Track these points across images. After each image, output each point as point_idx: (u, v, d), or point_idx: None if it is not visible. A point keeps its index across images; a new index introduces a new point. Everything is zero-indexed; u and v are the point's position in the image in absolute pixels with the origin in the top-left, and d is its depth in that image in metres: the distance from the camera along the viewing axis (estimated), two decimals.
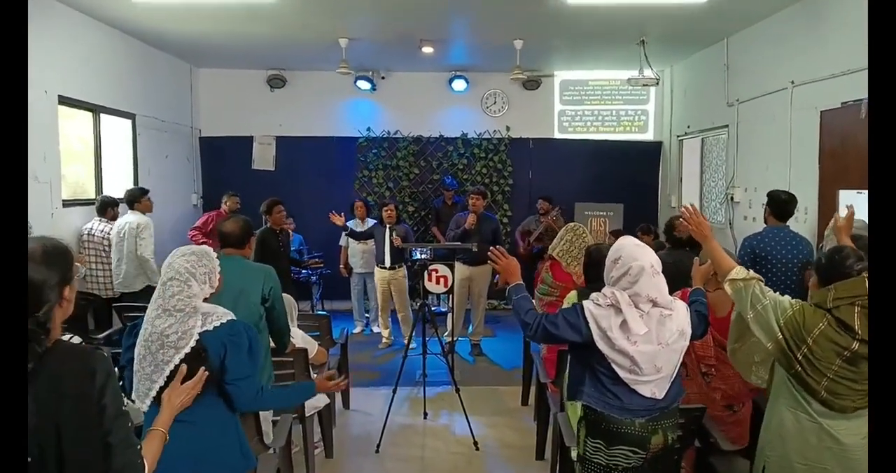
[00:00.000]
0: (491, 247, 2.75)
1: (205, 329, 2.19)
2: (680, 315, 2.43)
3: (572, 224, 4.49)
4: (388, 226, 6.61)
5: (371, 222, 7.21)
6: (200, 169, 8.60)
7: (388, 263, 6.63)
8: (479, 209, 6.36)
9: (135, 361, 2.15)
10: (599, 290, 2.80)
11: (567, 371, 2.88)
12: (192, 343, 2.14)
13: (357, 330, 7.49)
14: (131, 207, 5.81)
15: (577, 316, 2.42)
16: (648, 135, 8.81)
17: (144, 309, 2.29)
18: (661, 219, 8.43)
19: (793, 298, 2.46)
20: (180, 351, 2.12)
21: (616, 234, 7.04)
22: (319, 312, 7.91)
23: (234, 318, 2.30)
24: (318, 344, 4.09)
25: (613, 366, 2.36)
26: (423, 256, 4.87)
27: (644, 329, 2.33)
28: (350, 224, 7.09)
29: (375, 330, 7.44)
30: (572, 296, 3.39)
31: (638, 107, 8.79)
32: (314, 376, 3.86)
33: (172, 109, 7.87)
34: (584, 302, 2.44)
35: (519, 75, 6.82)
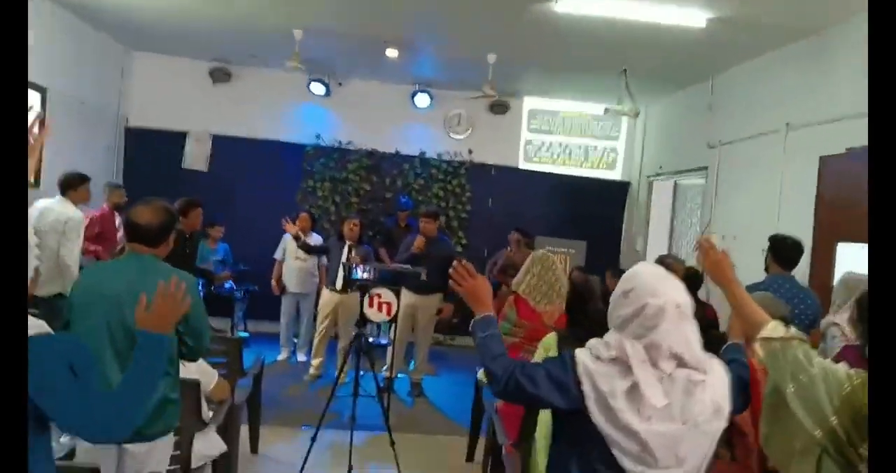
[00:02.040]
0: (455, 262, 2.00)
1: None
2: (717, 381, 1.70)
3: (539, 253, 3.77)
4: (348, 243, 5.82)
5: (315, 236, 6.40)
6: (122, 161, 7.64)
7: (339, 286, 5.80)
8: (431, 232, 5.66)
9: None
10: (584, 333, 2.10)
11: (549, 448, 2.11)
12: None
13: (281, 356, 6.59)
14: (63, 193, 4.82)
15: (566, 371, 1.68)
16: (616, 174, 8.36)
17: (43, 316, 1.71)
18: (624, 261, 7.94)
19: None
20: None
21: (579, 274, 6.45)
22: (241, 333, 6.98)
23: (50, 332, 1.58)
24: (220, 375, 3.25)
25: (615, 452, 1.61)
26: (365, 276, 4.10)
27: (664, 400, 1.60)
28: (288, 236, 6.26)
29: (301, 358, 6.55)
30: (550, 341, 2.68)
31: (608, 143, 8.34)
32: (209, 414, 3.01)
33: (97, 92, 6.94)
34: (578, 352, 1.71)
35: (490, 92, 6.21)
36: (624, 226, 8.34)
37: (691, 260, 6.43)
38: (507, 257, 6.98)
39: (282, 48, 6.27)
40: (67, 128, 6.31)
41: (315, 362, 5.98)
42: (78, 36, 6.40)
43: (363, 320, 4.54)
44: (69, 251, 4.66)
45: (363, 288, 4.10)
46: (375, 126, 7.95)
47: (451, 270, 1.95)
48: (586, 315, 2.51)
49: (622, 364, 1.63)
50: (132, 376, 1.73)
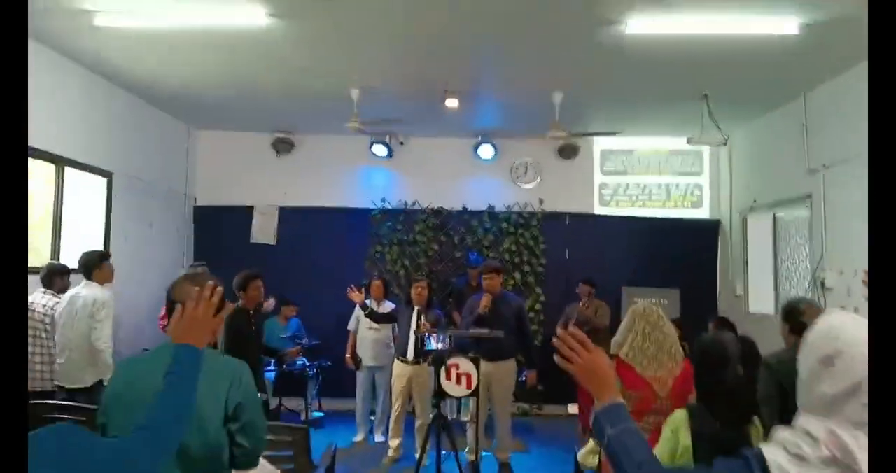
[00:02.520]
0: (559, 330, 1.52)
1: None
2: None
3: (641, 306, 3.11)
4: (416, 308, 5.41)
5: (388, 304, 6.03)
6: (193, 241, 7.61)
7: (410, 356, 5.34)
8: (496, 288, 5.16)
9: None
10: (723, 409, 1.60)
11: None
12: None
13: (358, 437, 6.12)
14: (88, 276, 4.64)
15: None
16: (703, 213, 7.69)
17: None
18: (724, 309, 7.18)
19: None
20: None
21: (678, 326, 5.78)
22: (315, 413, 6.60)
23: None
24: (286, 471, 2.83)
25: None
26: (441, 346, 3.65)
27: None
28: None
29: (380, 438, 6.06)
30: (678, 420, 2.11)
31: (690, 179, 7.72)
32: None
33: (164, 173, 6.97)
34: (768, 452, 1.18)
35: (559, 134, 5.79)
36: (718, 268, 7.59)
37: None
38: (579, 312, 6.42)
39: (341, 111, 6.11)
40: (136, 211, 6.30)
41: (393, 443, 5.49)
42: (142, 118, 6.47)
43: (441, 395, 4.07)
44: (101, 335, 4.42)
45: (439, 359, 3.64)
46: (440, 183, 7.67)
47: (554, 340, 1.48)
48: (723, 384, 1.96)
49: (843, 467, 1.10)
50: (168, 388, 1.59)
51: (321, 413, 6.64)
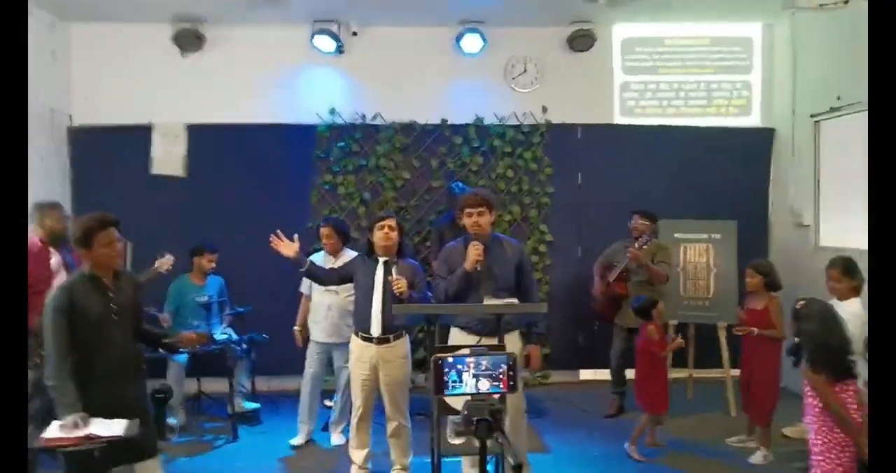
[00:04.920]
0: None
1: None
2: None
3: None
4: (381, 259, 3.59)
5: (351, 255, 4.15)
6: (70, 175, 5.55)
7: (375, 331, 3.54)
8: (486, 230, 3.38)
9: None
10: None
11: None
12: None
13: (297, 440, 4.30)
14: None
15: None
16: (752, 120, 5.93)
17: None
18: (779, 242, 5.61)
19: None
20: None
21: (760, 272, 4.08)
22: (247, 404, 4.80)
23: None
24: None
25: None
26: (490, 386, 1.84)
27: None
28: (317, 258, 4.10)
29: (337, 440, 4.31)
30: None
31: (737, 77, 5.92)
32: None
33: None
34: None
35: None
36: (771, 192, 5.90)
37: None
38: (631, 256, 4.68)
39: None
40: None
41: (357, 458, 3.67)
42: None
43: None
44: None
45: (485, 423, 1.82)
46: (410, 88, 5.72)
47: None
48: None
49: None
50: None
51: (256, 405, 4.82)
